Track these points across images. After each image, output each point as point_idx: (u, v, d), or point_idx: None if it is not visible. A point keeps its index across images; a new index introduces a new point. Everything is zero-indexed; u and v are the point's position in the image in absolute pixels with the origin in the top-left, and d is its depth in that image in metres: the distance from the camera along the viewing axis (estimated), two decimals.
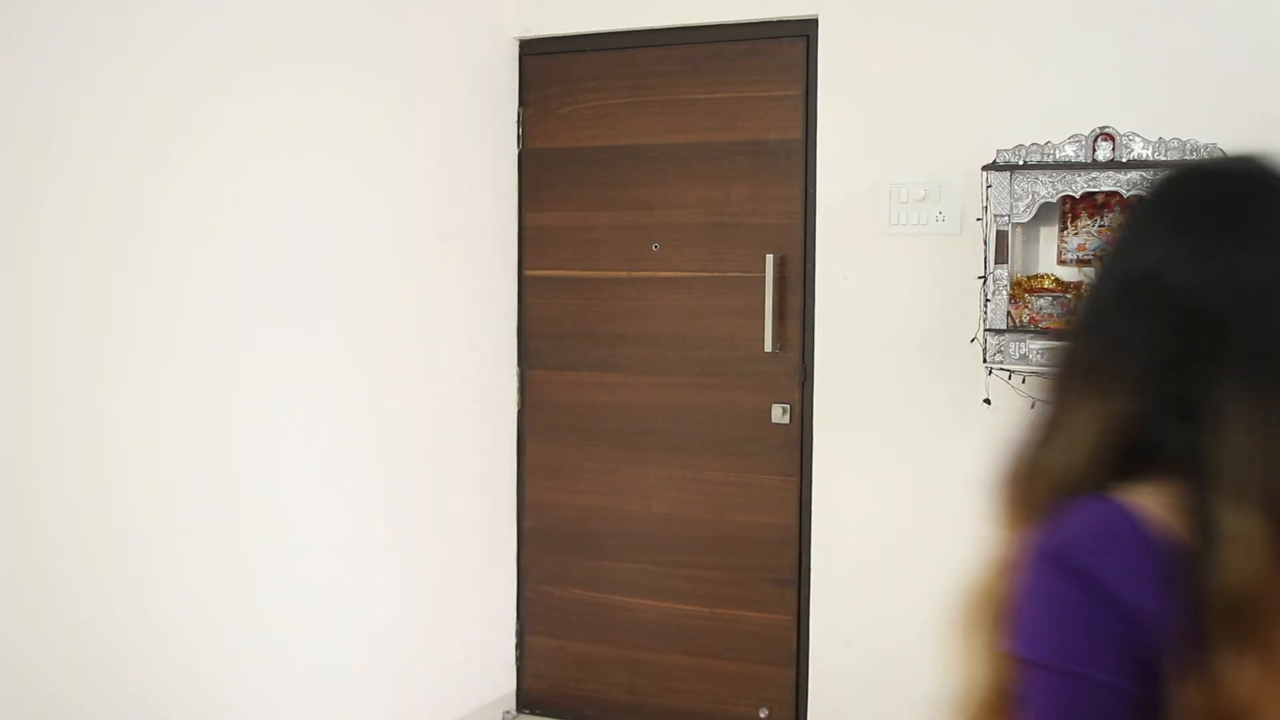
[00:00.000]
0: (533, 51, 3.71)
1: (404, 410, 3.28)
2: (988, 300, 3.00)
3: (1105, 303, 0.95)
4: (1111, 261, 0.97)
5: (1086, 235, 3.03)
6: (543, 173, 3.74)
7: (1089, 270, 1.00)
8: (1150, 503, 0.87)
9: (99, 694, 2.43)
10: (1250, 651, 0.81)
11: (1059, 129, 2.94)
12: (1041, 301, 3.04)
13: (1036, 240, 3.09)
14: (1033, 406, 3.06)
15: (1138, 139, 2.84)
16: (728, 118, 3.49)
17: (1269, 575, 0.82)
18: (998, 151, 2.96)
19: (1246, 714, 0.80)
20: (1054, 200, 2.94)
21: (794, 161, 3.42)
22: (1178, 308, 0.90)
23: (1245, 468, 0.85)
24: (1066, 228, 3.05)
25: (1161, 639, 0.83)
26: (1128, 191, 2.86)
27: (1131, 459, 0.90)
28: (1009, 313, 3.01)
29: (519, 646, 3.86)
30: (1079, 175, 2.89)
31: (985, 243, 3.04)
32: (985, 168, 2.99)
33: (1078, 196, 2.96)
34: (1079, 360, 0.94)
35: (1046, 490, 0.92)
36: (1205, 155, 2.81)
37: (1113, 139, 2.86)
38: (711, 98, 3.51)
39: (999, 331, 2.98)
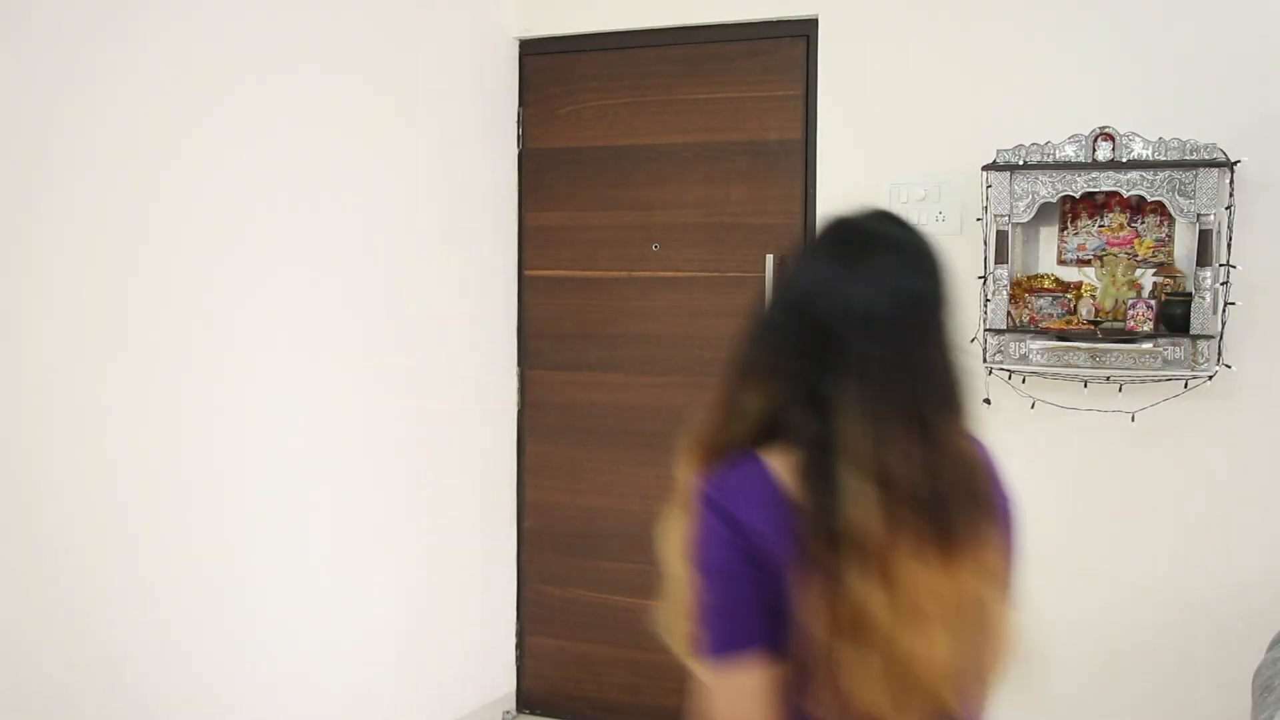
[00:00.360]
0: (533, 51, 3.71)
1: (404, 410, 3.28)
2: (988, 300, 3.00)
3: (774, 318, 1.32)
4: (783, 286, 1.33)
5: (1086, 235, 3.03)
6: (543, 173, 3.74)
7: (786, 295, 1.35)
8: (778, 463, 1.26)
9: (99, 694, 2.43)
10: (872, 574, 1.19)
11: (1059, 129, 2.94)
12: (1041, 301, 3.04)
13: (1036, 240, 3.09)
14: (1032, 406, 3.06)
15: (1138, 139, 2.84)
16: (728, 118, 3.49)
17: (880, 520, 1.19)
18: (998, 151, 2.96)
19: (870, 619, 1.18)
20: (1054, 200, 2.94)
21: (794, 161, 3.42)
22: (817, 328, 1.25)
23: (860, 447, 1.21)
24: (1066, 228, 3.05)
25: (772, 549, 1.23)
26: (1128, 191, 2.86)
27: (772, 430, 1.28)
28: (1009, 313, 3.00)
29: (519, 646, 3.86)
30: (1079, 175, 2.89)
31: (985, 243, 3.04)
32: (985, 168, 2.99)
33: (1078, 196, 2.96)
34: (753, 360, 1.31)
35: (716, 451, 1.31)
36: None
37: (1113, 139, 2.86)
38: (711, 98, 3.51)
39: (999, 331, 2.98)
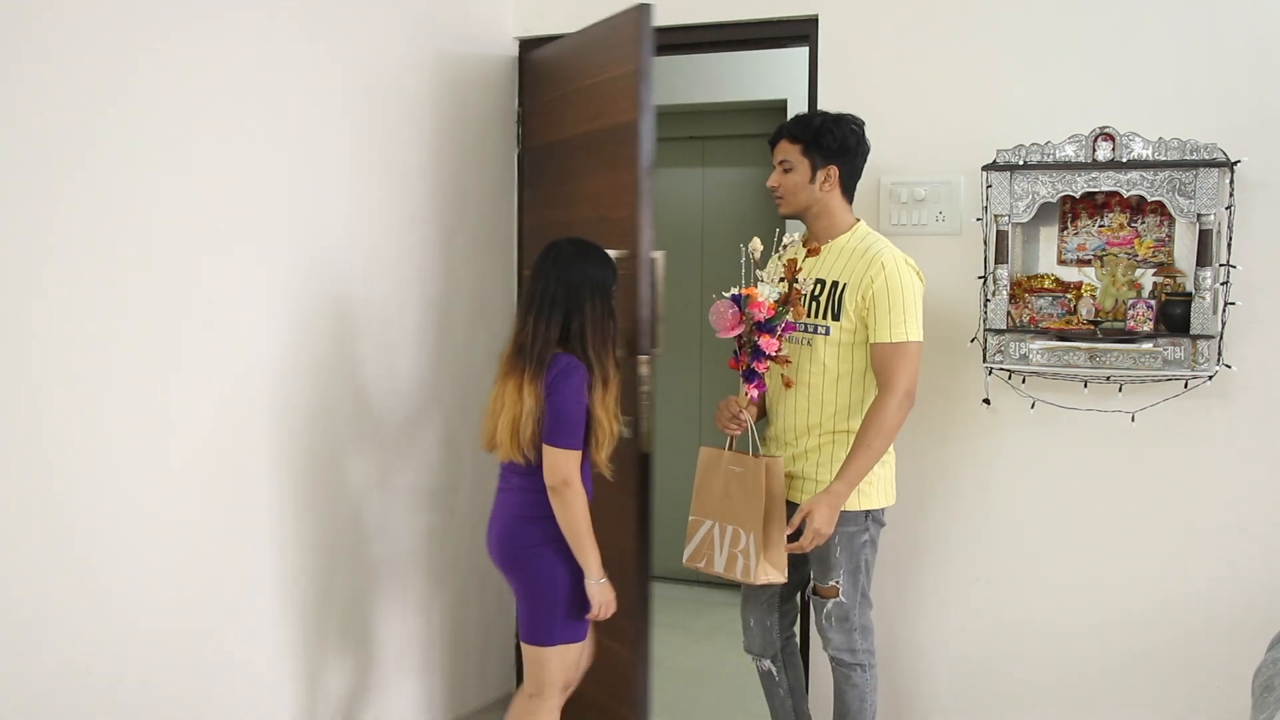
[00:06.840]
0: (533, 51, 3.71)
1: (404, 409, 3.29)
2: (988, 300, 3.00)
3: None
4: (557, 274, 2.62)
5: (1086, 235, 3.03)
6: (541, 172, 3.73)
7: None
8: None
9: (92, 695, 2.43)
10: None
11: (1059, 129, 2.94)
12: (1041, 301, 3.04)
13: (1036, 240, 3.08)
14: (1032, 406, 3.06)
15: (1138, 139, 2.84)
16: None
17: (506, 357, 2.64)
18: (998, 151, 2.96)
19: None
20: (1054, 200, 2.94)
21: None
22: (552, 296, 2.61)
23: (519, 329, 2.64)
24: (1066, 228, 3.05)
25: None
26: (1128, 191, 2.86)
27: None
28: (1009, 313, 3.00)
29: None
30: (1079, 175, 2.89)
31: (985, 243, 3.04)
32: (985, 168, 2.99)
33: (1078, 196, 2.96)
34: (546, 305, 2.58)
35: (540, 356, 2.54)
36: (1210, 152, 2.80)
37: (1113, 139, 2.86)
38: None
39: (999, 331, 2.98)
